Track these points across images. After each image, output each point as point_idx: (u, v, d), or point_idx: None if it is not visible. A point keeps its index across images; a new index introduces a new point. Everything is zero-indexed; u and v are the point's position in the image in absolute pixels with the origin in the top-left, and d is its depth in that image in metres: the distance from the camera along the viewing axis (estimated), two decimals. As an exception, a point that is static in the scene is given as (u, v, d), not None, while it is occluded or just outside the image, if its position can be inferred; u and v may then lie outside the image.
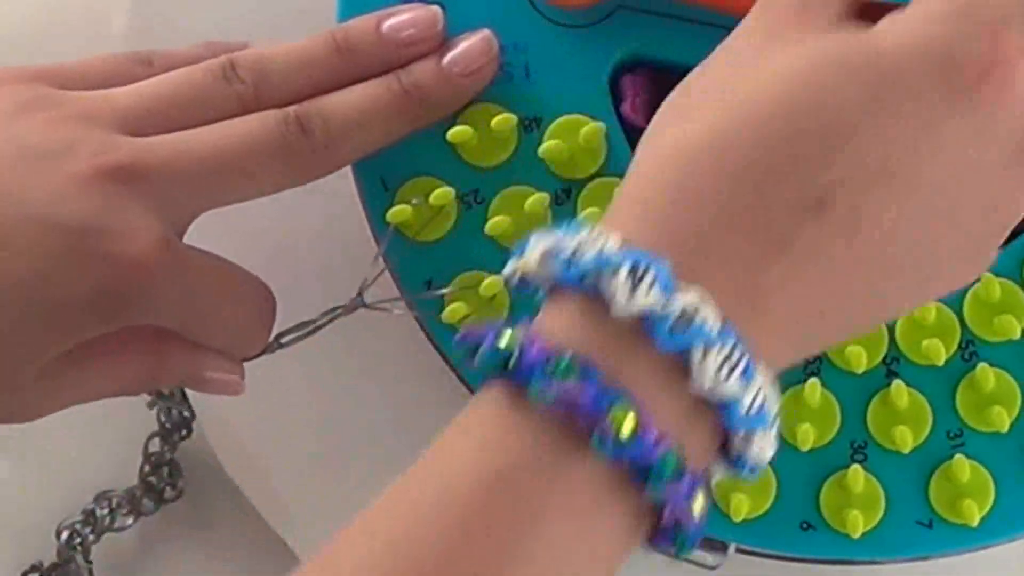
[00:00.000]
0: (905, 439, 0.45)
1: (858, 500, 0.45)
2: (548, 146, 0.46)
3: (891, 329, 0.46)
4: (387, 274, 0.48)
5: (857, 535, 0.45)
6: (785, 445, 0.46)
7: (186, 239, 0.45)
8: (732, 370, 0.35)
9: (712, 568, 0.47)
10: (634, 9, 0.47)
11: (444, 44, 0.47)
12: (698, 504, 0.36)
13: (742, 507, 0.45)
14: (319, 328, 0.47)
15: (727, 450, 0.37)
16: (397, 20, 0.47)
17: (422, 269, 0.47)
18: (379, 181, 0.48)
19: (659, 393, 0.35)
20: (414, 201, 0.47)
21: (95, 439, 0.54)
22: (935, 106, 0.37)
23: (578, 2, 0.47)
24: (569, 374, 0.34)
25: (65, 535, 0.53)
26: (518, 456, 0.35)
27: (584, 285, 0.36)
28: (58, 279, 0.42)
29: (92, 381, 0.45)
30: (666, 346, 0.35)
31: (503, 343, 0.35)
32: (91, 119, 0.44)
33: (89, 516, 0.53)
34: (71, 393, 0.45)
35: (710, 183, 0.36)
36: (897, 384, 0.45)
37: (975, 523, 0.45)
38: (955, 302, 0.46)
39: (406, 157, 0.47)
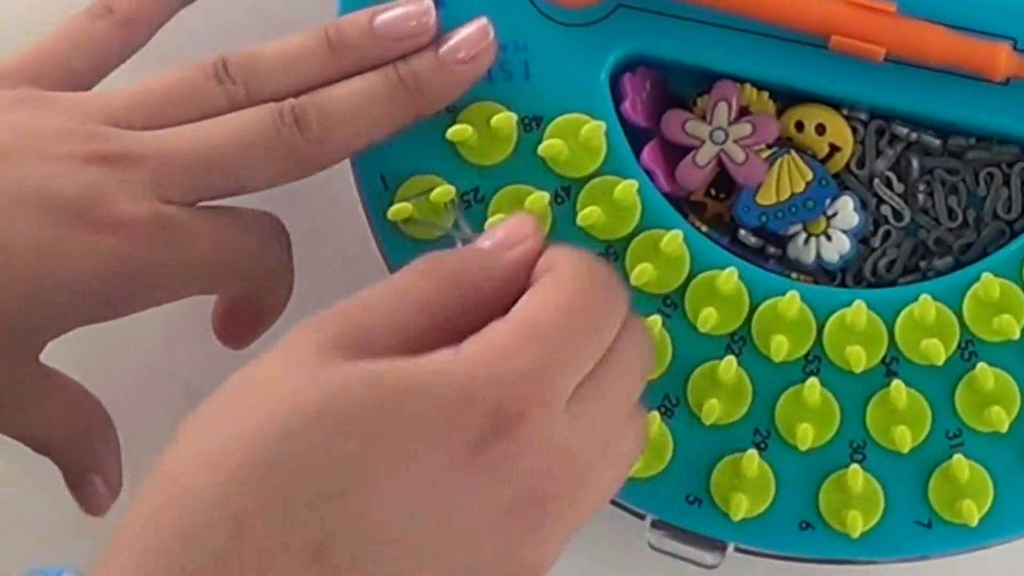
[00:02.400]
0: (904, 439, 0.45)
1: (857, 500, 0.45)
2: (548, 145, 0.46)
3: (891, 329, 0.46)
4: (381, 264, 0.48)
5: (856, 535, 0.45)
6: (785, 445, 0.46)
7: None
8: None
9: (711, 568, 0.47)
10: (634, 7, 0.47)
11: (439, 38, 0.47)
12: None
13: (741, 507, 0.45)
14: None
15: None
16: (390, 14, 0.47)
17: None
18: (379, 179, 0.48)
19: None
20: (413, 200, 0.47)
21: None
22: (448, 455, 0.36)
23: (578, 1, 0.47)
24: None
25: None
26: None
27: None
28: (60, 253, 0.41)
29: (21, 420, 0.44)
30: None
31: None
32: (82, 115, 0.44)
33: None
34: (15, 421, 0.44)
35: (203, 533, 0.35)
36: (896, 384, 0.45)
37: (974, 523, 0.45)
38: (955, 302, 0.46)
39: (406, 155, 0.47)
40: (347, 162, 0.48)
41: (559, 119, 0.47)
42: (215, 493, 0.35)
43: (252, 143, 0.44)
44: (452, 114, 0.47)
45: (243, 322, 0.48)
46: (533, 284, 0.39)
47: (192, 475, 0.35)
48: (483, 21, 0.47)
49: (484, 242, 0.41)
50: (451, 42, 0.46)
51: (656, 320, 0.46)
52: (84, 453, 0.45)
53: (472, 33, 0.47)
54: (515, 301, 0.39)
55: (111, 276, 0.42)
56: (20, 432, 0.44)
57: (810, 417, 0.45)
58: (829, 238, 0.48)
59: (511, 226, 0.41)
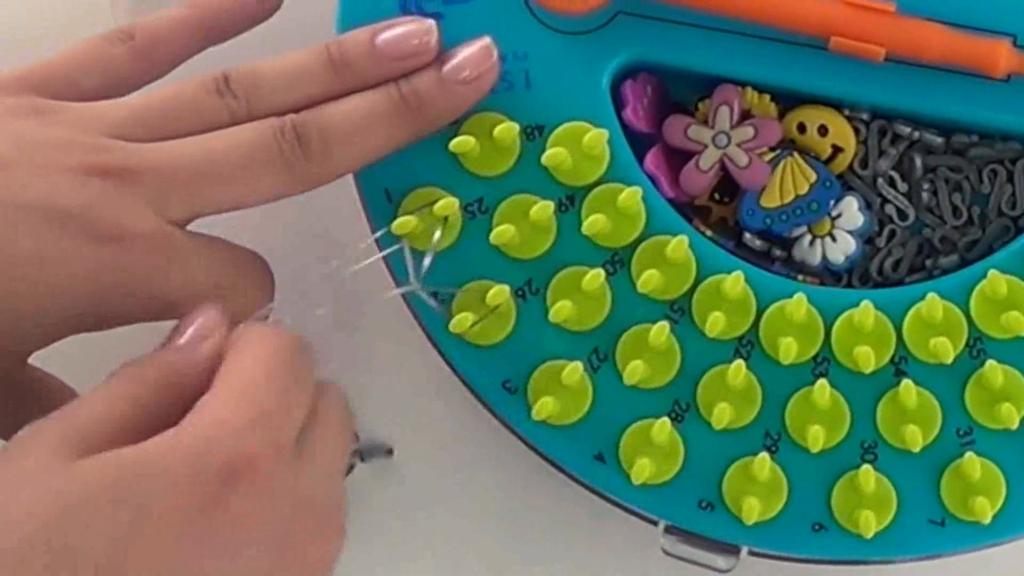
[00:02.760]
0: (915, 438, 0.45)
1: (870, 500, 0.45)
2: (551, 154, 0.46)
3: (899, 328, 0.46)
4: (388, 282, 0.48)
5: (869, 535, 0.45)
6: (796, 447, 0.46)
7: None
8: None
9: (725, 572, 0.47)
10: (633, 14, 0.47)
11: (441, 56, 0.47)
12: None
13: (754, 510, 0.45)
14: None
15: None
16: (392, 33, 0.46)
17: (428, 279, 0.47)
18: (383, 193, 0.48)
19: None
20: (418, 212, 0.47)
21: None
22: (189, 523, 0.37)
23: (577, 9, 0.47)
24: None
25: None
26: None
27: None
28: (53, 268, 0.41)
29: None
30: None
31: None
32: (82, 126, 0.44)
33: None
34: None
35: None
36: (906, 383, 0.45)
37: (987, 520, 0.45)
38: (962, 300, 0.46)
39: (409, 168, 0.47)
40: (350, 175, 0.48)
41: (561, 128, 0.47)
42: None
43: (252, 157, 0.44)
44: (454, 126, 0.47)
45: None
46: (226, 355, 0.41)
47: None
48: (486, 41, 0.47)
49: (179, 340, 0.42)
50: (454, 61, 0.46)
51: (664, 326, 0.46)
52: None
53: (475, 53, 0.46)
54: None
55: (106, 287, 0.42)
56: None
57: (820, 419, 0.46)
58: (834, 239, 0.48)
59: (201, 321, 0.42)
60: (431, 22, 0.47)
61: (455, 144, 0.46)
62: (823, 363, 0.46)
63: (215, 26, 0.48)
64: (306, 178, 0.45)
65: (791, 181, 0.48)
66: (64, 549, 0.36)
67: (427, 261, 0.46)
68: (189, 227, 0.44)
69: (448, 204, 0.46)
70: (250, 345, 0.41)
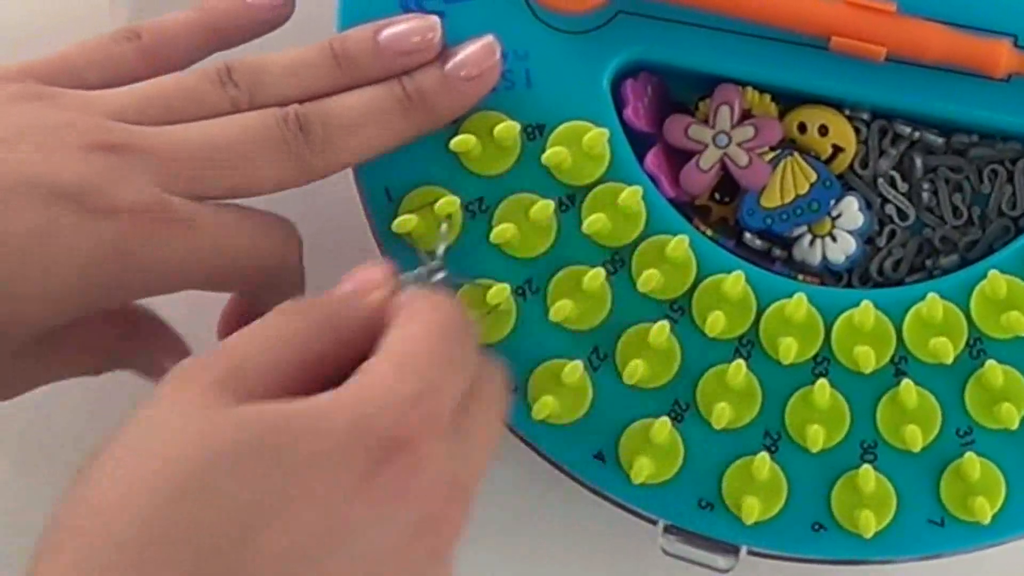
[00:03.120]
0: (915, 438, 0.45)
1: (869, 500, 0.45)
2: (551, 153, 0.46)
3: (899, 328, 0.46)
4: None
5: (869, 535, 0.45)
6: (795, 447, 0.46)
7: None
8: None
9: (725, 571, 0.47)
10: (634, 14, 0.47)
11: (443, 53, 0.47)
12: None
13: (753, 510, 0.45)
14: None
15: None
16: (394, 30, 0.46)
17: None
18: (383, 192, 0.48)
19: None
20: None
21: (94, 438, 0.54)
22: (342, 488, 0.37)
23: (578, 8, 0.47)
24: None
25: None
26: None
27: None
28: (54, 241, 0.41)
29: (63, 363, 0.44)
30: None
31: None
32: (85, 110, 0.44)
33: None
34: (43, 374, 0.45)
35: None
36: (906, 383, 0.45)
37: (987, 520, 0.45)
38: (962, 299, 0.46)
39: (410, 167, 0.47)
40: (350, 174, 0.48)
41: (562, 127, 0.47)
42: (108, 550, 0.35)
43: (255, 142, 0.44)
44: (454, 124, 0.47)
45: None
46: (391, 323, 0.41)
47: (87, 531, 0.36)
48: (489, 38, 0.47)
49: (344, 287, 0.42)
50: (457, 58, 0.46)
51: (664, 326, 0.46)
52: None
53: (478, 50, 0.46)
54: (373, 343, 0.40)
55: (106, 259, 0.42)
56: None
57: (820, 418, 0.46)
58: (835, 239, 0.48)
59: (365, 275, 0.42)
60: (435, 18, 0.47)
61: (455, 143, 0.46)
62: (823, 363, 0.46)
63: (224, 31, 0.48)
64: (308, 168, 0.45)
65: (791, 181, 0.48)
66: (214, 496, 0.35)
67: (440, 249, 0.46)
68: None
69: (448, 203, 0.46)
70: (422, 312, 0.40)
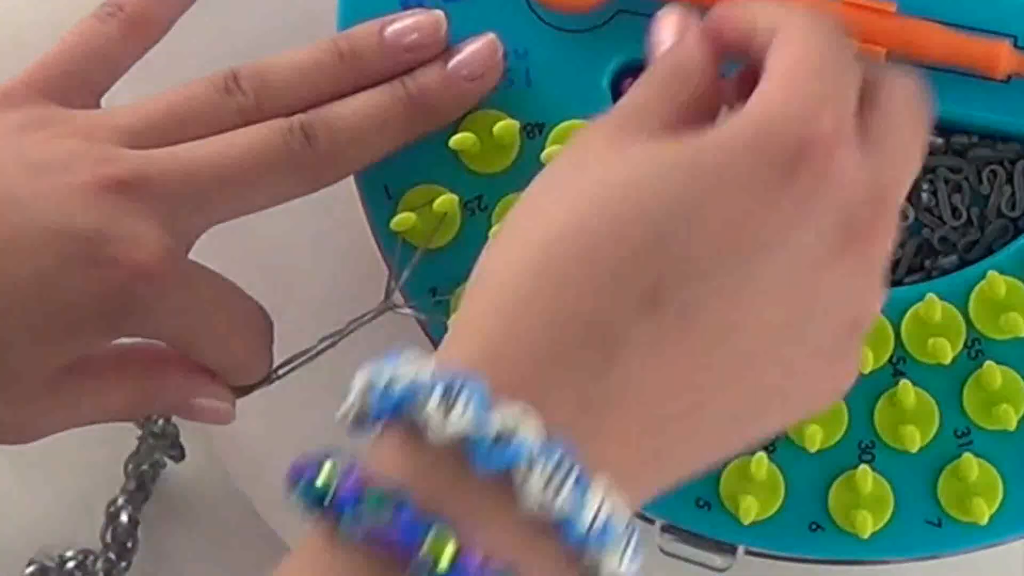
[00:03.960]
0: (913, 438, 0.45)
1: (867, 500, 0.45)
2: (551, 151, 0.46)
3: (897, 329, 0.46)
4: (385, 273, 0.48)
5: (866, 535, 0.45)
6: (793, 446, 0.46)
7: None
8: (561, 486, 0.34)
9: (722, 571, 0.47)
10: (634, 13, 0.47)
11: (445, 51, 0.47)
12: None
13: (751, 509, 0.45)
14: (318, 354, 0.46)
15: (584, 568, 0.35)
16: (400, 25, 0.47)
17: (427, 276, 0.47)
18: (382, 190, 0.48)
19: (485, 518, 0.34)
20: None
21: (96, 441, 0.54)
22: (756, 196, 0.37)
23: (578, 7, 0.47)
24: (381, 507, 0.33)
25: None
26: None
27: (401, 414, 0.34)
28: (62, 285, 0.42)
29: (85, 403, 0.44)
30: (485, 468, 0.33)
31: (320, 479, 0.34)
32: (92, 135, 0.44)
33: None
34: (64, 415, 0.45)
35: (537, 293, 0.36)
36: (904, 383, 0.45)
37: (984, 521, 0.45)
38: (960, 300, 0.46)
39: (409, 165, 0.47)
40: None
41: (561, 125, 0.47)
42: (543, 246, 0.36)
43: (263, 160, 0.44)
44: (454, 123, 0.47)
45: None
46: (765, 49, 0.40)
47: (548, 220, 0.37)
48: (491, 37, 0.47)
49: (663, 43, 0.42)
50: (459, 57, 0.46)
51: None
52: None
53: (481, 49, 0.47)
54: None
55: (108, 307, 0.42)
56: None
57: (818, 418, 0.45)
58: (833, 239, 0.48)
59: (671, 22, 0.43)
60: (439, 13, 0.47)
61: (455, 141, 0.46)
62: (821, 363, 0.46)
63: None
64: (315, 178, 0.45)
65: (790, 181, 0.47)
66: (636, 209, 0.36)
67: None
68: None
69: (447, 201, 0.46)
70: (799, 31, 0.39)
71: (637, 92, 0.40)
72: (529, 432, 0.34)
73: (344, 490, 0.34)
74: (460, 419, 0.34)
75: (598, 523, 0.34)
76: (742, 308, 0.37)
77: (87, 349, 0.43)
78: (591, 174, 0.37)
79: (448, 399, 0.34)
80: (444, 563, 0.33)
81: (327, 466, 0.34)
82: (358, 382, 0.36)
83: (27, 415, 0.44)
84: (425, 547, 0.33)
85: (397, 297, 0.47)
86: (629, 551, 0.35)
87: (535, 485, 0.34)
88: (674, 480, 0.38)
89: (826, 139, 0.37)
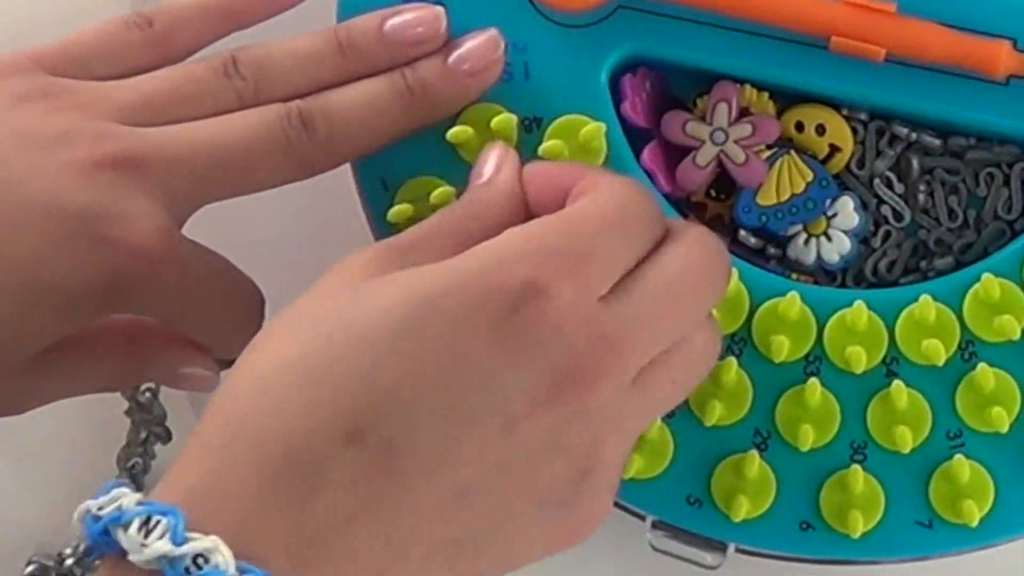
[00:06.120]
0: (905, 439, 0.45)
1: (858, 500, 0.45)
2: (548, 146, 0.46)
3: (891, 329, 0.46)
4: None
5: (857, 535, 0.45)
6: (785, 446, 0.46)
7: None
8: None
9: (712, 568, 0.47)
10: (634, 8, 0.47)
11: (447, 45, 0.47)
12: None
13: (742, 507, 0.45)
14: None
15: None
16: (400, 19, 0.47)
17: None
18: (379, 181, 0.48)
19: None
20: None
21: (95, 440, 0.54)
22: (471, 333, 0.37)
23: (577, 2, 0.47)
24: None
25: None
26: None
27: (107, 539, 0.36)
28: (58, 262, 0.42)
29: (76, 375, 0.45)
30: None
31: None
32: (89, 111, 0.44)
33: None
34: (56, 387, 0.45)
35: (253, 420, 0.37)
36: (897, 384, 0.45)
37: (975, 523, 0.45)
38: (955, 302, 0.46)
39: (406, 157, 0.47)
40: (348, 164, 0.48)
41: (559, 120, 0.47)
42: (270, 418, 0.37)
43: (259, 143, 0.44)
44: (452, 115, 0.47)
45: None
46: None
47: (266, 382, 0.37)
48: (493, 32, 0.47)
49: (481, 175, 0.43)
50: (460, 51, 0.46)
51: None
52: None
53: (481, 43, 0.47)
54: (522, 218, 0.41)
55: (102, 286, 0.42)
56: None
57: (810, 418, 0.46)
58: (829, 239, 0.48)
59: (493, 155, 0.43)
60: (440, 8, 0.47)
61: (452, 134, 0.46)
62: (815, 362, 0.46)
63: (238, 14, 0.48)
64: (311, 164, 0.45)
65: (788, 179, 0.48)
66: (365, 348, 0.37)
67: None
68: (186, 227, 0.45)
69: (445, 193, 0.46)
70: (602, 193, 0.40)
71: (435, 219, 0.41)
72: (220, 562, 0.35)
73: None
74: (155, 546, 0.35)
75: None
76: (452, 446, 0.37)
77: (80, 326, 0.43)
78: (327, 305, 0.38)
79: (147, 527, 0.35)
80: None
81: None
82: (77, 512, 0.37)
83: (16, 388, 0.44)
84: None
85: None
86: None
87: None
88: None
89: (552, 287, 0.37)
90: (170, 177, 0.43)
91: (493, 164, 0.43)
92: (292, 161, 0.45)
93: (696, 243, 0.41)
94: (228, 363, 0.46)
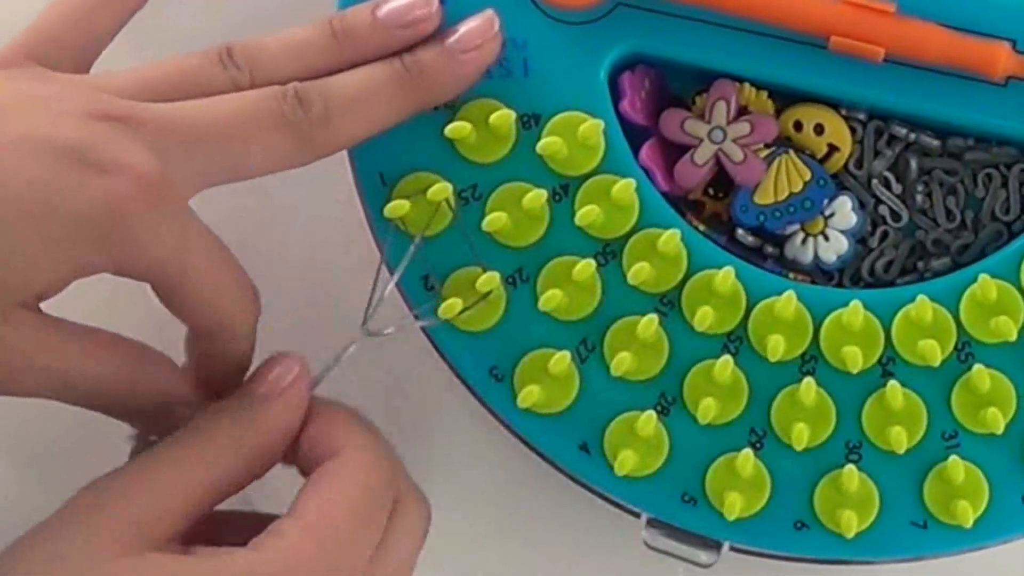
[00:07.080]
0: (900, 439, 0.45)
1: (852, 500, 0.45)
2: (546, 142, 0.46)
3: (887, 329, 0.46)
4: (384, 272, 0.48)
5: (851, 535, 0.45)
6: (780, 444, 0.46)
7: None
8: None
9: (706, 566, 0.47)
10: (633, 6, 0.47)
11: (443, 31, 0.47)
12: None
13: (736, 506, 0.45)
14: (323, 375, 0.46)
15: None
16: (394, 3, 0.47)
17: (419, 265, 0.47)
18: (377, 176, 0.48)
19: None
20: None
21: (95, 441, 0.54)
22: None
23: (577, 0, 0.47)
24: None
25: None
26: None
27: None
28: (54, 188, 0.41)
29: (71, 355, 0.43)
30: None
31: None
32: (84, 85, 0.44)
33: None
34: (50, 360, 0.43)
35: None
36: (893, 384, 0.45)
37: (969, 524, 0.45)
38: (952, 303, 0.46)
39: (404, 152, 0.47)
40: (345, 159, 0.48)
41: (558, 117, 0.47)
42: None
43: (255, 117, 0.44)
44: (450, 111, 0.47)
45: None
46: (318, 468, 0.43)
47: None
48: (489, 12, 0.47)
49: (258, 388, 0.44)
50: (457, 32, 0.47)
51: (653, 319, 0.46)
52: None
53: (478, 23, 0.47)
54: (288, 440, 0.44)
55: (101, 217, 0.41)
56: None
57: (806, 417, 0.46)
58: (827, 238, 0.48)
59: (279, 369, 0.45)
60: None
61: (451, 130, 0.46)
62: (810, 361, 0.46)
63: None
64: (309, 144, 0.45)
65: (785, 178, 0.48)
66: None
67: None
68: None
69: (442, 189, 0.46)
70: (346, 467, 0.43)
71: (162, 483, 0.42)
72: None
73: None
74: None
75: None
76: None
77: (78, 267, 0.42)
78: None
79: None
80: None
81: None
82: None
83: (11, 342, 0.42)
84: None
85: (403, 307, 0.47)
86: None
87: None
88: None
89: None
90: (165, 138, 0.43)
91: (272, 383, 0.44)
92: (289, 139, 0.44)
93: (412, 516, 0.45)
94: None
